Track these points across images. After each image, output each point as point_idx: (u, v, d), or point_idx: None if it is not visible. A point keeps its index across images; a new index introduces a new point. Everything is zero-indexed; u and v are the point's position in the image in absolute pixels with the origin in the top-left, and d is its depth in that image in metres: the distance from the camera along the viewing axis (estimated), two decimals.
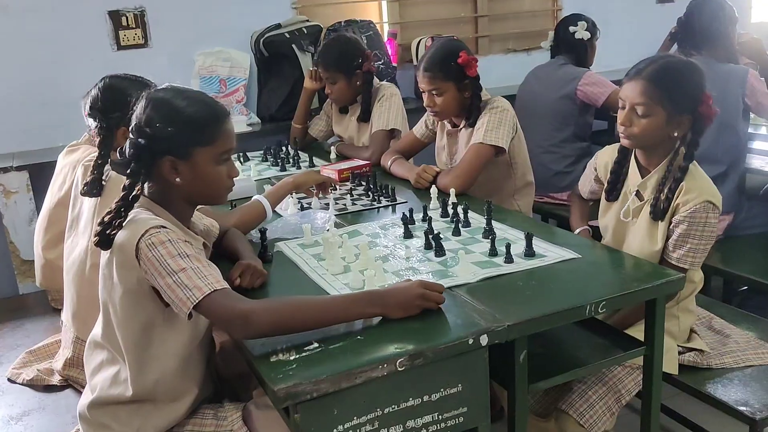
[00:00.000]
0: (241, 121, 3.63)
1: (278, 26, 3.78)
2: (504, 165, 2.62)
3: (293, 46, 3.73)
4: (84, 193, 2.08)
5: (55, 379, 2.20)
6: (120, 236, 1.53)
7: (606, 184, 2.13)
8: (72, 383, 2.17)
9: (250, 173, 2.96)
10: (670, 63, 1.98)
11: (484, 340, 1.46)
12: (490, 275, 1.74)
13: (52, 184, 2.54)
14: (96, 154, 2.12)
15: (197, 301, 1.43)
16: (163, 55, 3.75)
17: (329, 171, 2.80)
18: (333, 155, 3.22)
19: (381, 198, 2.46)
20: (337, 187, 2.64)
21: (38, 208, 2.85)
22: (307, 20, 3.87)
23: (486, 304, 1.59)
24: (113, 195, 2.02)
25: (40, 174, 3.17)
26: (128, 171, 1.57)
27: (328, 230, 2.07)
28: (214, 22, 3.84)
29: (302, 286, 1.78)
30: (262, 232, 1.99)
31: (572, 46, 3.52)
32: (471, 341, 1.45)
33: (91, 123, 2.19)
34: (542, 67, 3.67)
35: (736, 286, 3.12)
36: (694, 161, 1.97)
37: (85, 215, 2.12)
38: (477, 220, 2.16)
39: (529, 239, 1.86)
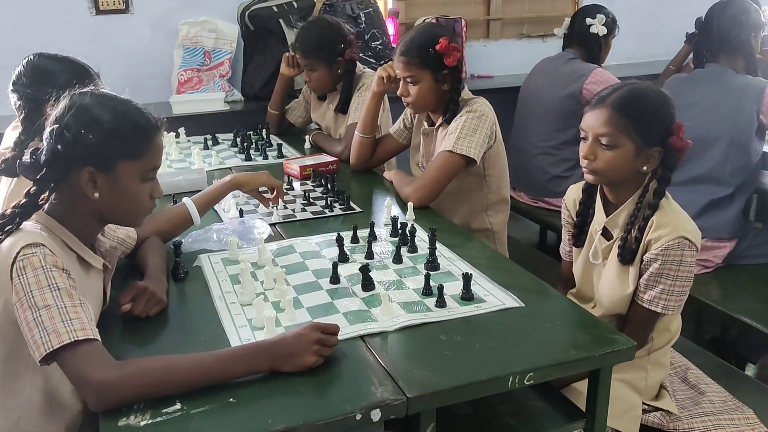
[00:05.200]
0: (217, 99, 3.41)
1: None
2: (476, 176, 2.36)
3: (280, 20, 3.48)
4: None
5: None
6: (1, 248, 1.34)
7: (572, 228, 1.89)
8: None
9: (211, 161, 2.75)
10: (636, 90, 1.76)
11: (375, 415, 1.24)
12: (412, 323, 1.51)
13: None
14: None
15: (51, 350, 1.24)
16: (145, 23, 3.55)
17: (292, 166, 2.58)
18: (307, 144, 3.00)
19: (335, 205, 2.24)
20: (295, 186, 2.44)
21: None
22: None
23: (393, 364, 1.36)
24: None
25: None
26: (38, 177, 1.38)
27: (257, 245, 1.86)
28: None
29: (202, 316, 1.58)
30: (176, 246, 1.78)
31: (585, 40, 3.22)
32: (359, 417, 1.23)
33: (14, 98, 1.99)
34: (549, 59, 3.37)
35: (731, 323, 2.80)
36: (667, 196, 1.74)
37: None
38: (427, 243, 1.92)
39: (467, 280, 1.62)
